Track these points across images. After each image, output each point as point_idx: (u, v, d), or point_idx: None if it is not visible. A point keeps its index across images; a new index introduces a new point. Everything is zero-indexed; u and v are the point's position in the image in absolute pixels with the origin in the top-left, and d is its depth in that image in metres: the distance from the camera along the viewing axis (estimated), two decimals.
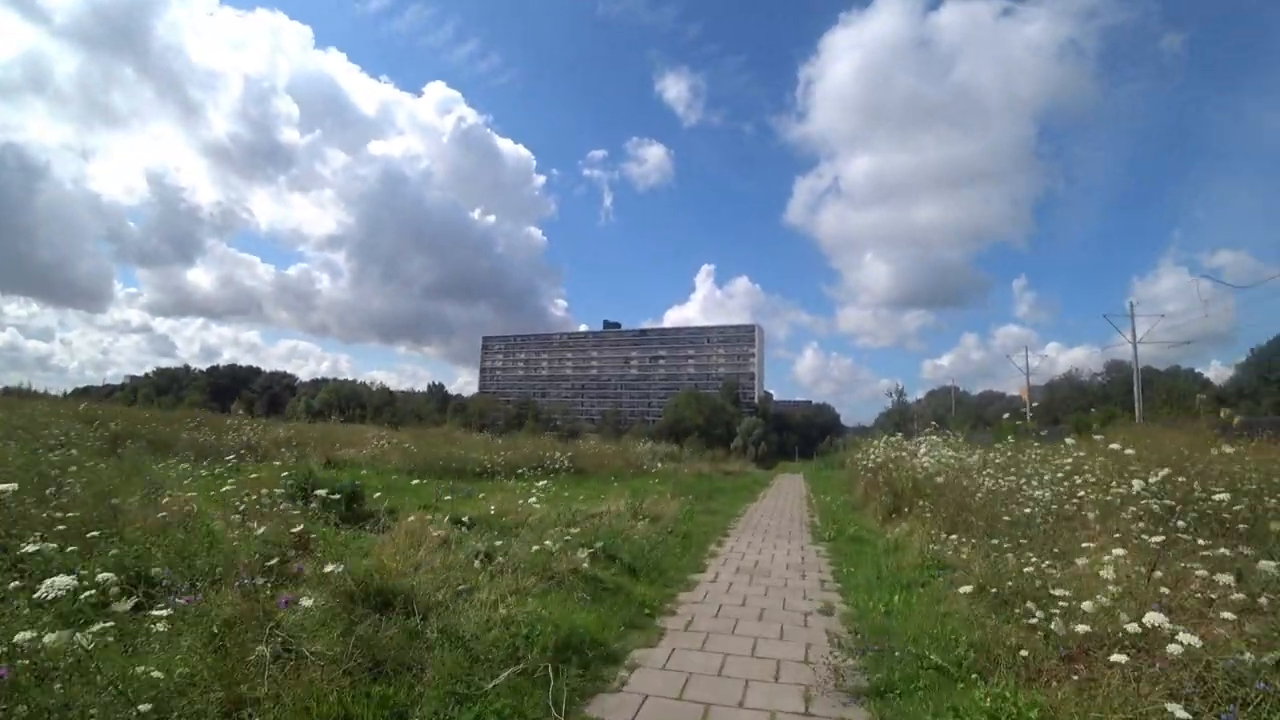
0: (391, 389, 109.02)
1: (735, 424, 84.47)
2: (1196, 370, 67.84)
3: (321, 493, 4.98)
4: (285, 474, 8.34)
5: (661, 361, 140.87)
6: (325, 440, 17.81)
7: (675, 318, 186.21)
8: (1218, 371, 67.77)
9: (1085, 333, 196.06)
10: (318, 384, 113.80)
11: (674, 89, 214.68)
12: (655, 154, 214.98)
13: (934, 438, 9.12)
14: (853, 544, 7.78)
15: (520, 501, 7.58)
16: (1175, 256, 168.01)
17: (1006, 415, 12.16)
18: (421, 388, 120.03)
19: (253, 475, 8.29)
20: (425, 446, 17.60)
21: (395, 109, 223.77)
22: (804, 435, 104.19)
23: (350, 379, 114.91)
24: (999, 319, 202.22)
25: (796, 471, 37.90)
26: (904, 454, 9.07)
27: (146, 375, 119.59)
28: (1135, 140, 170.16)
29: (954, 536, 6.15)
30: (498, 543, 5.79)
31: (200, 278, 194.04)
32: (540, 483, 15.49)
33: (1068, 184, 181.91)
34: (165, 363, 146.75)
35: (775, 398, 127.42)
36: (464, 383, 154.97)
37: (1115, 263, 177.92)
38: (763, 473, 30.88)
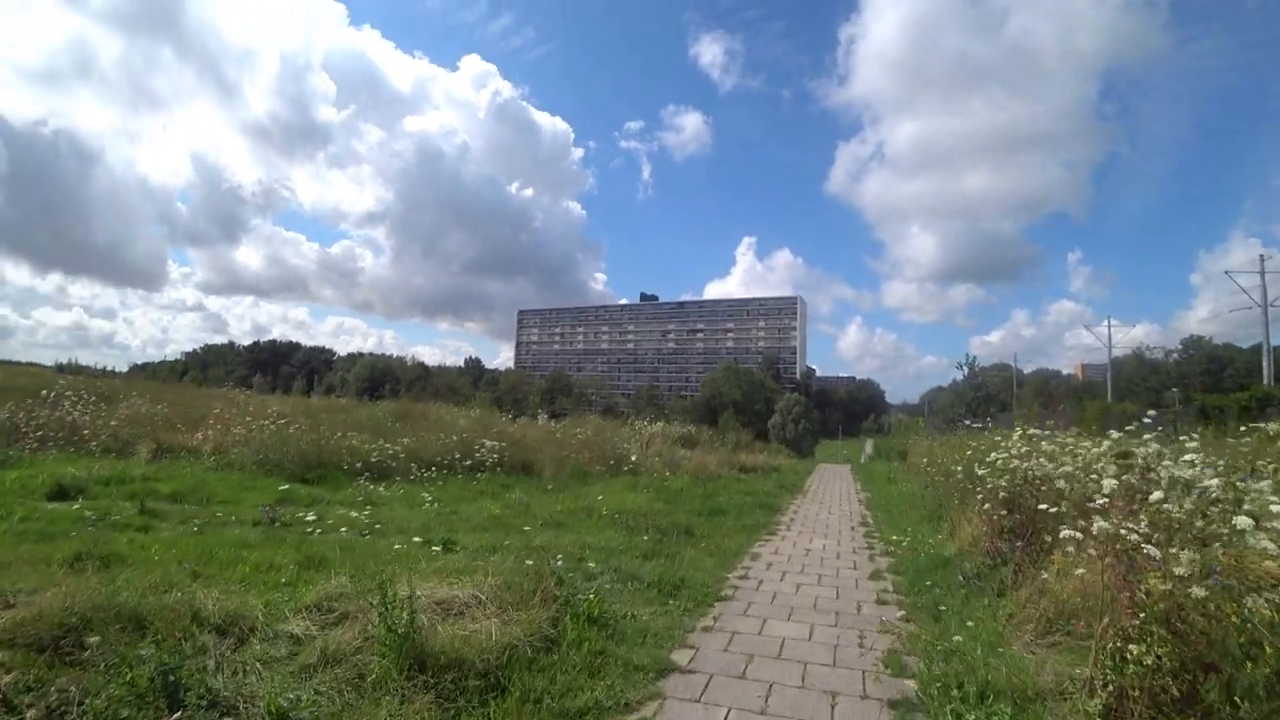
0: (428, 364, 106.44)
1: (775, 399, 77.48)
2: None
3: None
4: None
5: (700, 335, 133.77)
6: (172, 419, 12.75)
7: (716, 292, 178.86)
8: None
9: (1145, 308, 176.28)
10: (355, 359, 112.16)
11: (709, 53, 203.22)
12: (692, 122, 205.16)
13: None
14: None
15: None
16: (1247, 228, 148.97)
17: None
18: (461, 363, 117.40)
19: None
20: (311, 429, 12.36)
21: (430, 84, 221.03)
22: (847, 411, 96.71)
23: (391, 354, 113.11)
24: (1052, 294, 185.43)
25: (842, 460, 31.21)
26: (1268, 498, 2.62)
27: (195, 352, 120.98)
28: (1207, 99, 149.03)
29: None
30: None
31: (248, 256, 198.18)
32: (424, 495, 9.97)
33: (1131, 148, 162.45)
34: (217, 339, 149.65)
35: (818, 373, 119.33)
36: (506, 359, 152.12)
37: (1179, 235, 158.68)
38: (797, 465, 24.27)
